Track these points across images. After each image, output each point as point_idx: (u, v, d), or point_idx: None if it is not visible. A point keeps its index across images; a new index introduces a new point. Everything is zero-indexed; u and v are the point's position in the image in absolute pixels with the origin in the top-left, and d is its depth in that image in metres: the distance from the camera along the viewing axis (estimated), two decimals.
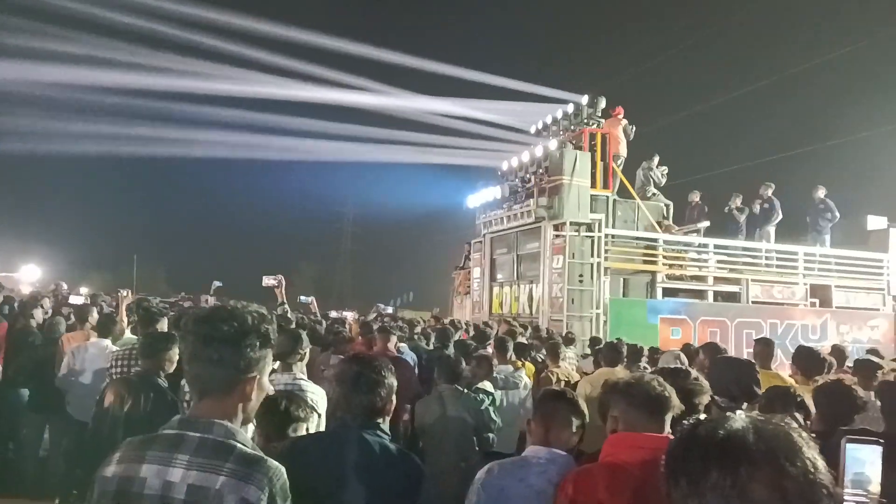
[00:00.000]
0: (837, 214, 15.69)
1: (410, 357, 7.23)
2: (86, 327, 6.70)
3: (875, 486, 1.85)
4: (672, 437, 2.17)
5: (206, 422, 1.70)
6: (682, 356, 6.13)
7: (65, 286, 14.19)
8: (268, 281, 7.76)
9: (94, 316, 6.80)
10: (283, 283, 7.47)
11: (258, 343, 1.77)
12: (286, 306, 7.06)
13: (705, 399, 2.68)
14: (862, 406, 3.46)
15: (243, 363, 1.75)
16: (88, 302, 8.18)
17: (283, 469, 1.72)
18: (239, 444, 1.70)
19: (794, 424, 1.08)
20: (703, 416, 1.16)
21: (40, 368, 6.44)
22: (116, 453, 1.74)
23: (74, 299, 9.77)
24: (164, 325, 5.39)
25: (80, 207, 53.95)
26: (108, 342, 6.02)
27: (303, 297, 9.71)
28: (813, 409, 3.16)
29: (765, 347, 6.15)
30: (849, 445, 1.89)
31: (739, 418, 1.09)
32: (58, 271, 30.46)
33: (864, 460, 1.87)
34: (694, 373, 2.82)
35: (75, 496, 4.23)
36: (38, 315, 6.95)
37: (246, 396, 1.78)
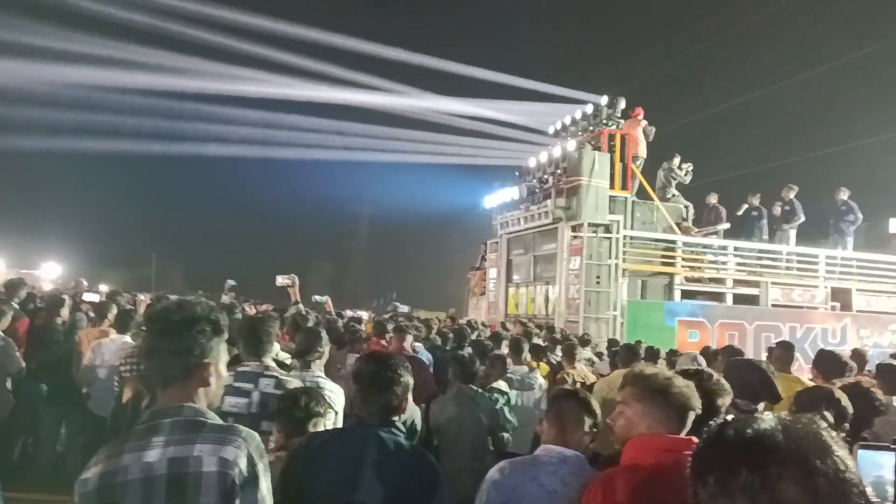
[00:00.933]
0: (860, 216, 15.47)
1: (426, 357, 7.22)
2: (104, 324, 6.76)
3: (891, 492, 1.82)
4: (694, 438, 2.15)
5: (175, 407, 1.81)
6: (700, 358, 6.08)
7: (85, 283, 14.31)
8: (281, 280, 7.79)
9: (114, 313, 6.86)
10: (297, 282, 7.49)
11: (209, 329, 1.87)
12: (300, 305, 7.07)
13: (727, 400, 2.65)
14: (881, 409, 3.41)
15: (197, 349, 1.84)
16: (104, 299, 8.25)
17: (256, 434, 1.83)
18: (209, 420, 1.81)
19: (823, 424, 1.07)
20: (729, 418, 1.15)
21: (59, 364, 6.53)
22: (93, 458, 1.81)
23: (89, 296, 9.85)
24: None
25: (100, 205, 54.52)
26: (126, 338, 6.07)
27: (317, 297, 9.74)
28: (850, 409, 3.12)
29: (784, 351, 6.09)
30: (861, 452, 1.86)
31: (768, 418, 1.08)
32: (77, 269, 30.78)
33: (880, 466, 1.84)
34: (715, 374, 2.78)
35: None
36: (64, 313, 7.05)
37: (204, 381, 1.87)
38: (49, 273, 22.84)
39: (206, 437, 1.75)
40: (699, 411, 2.25)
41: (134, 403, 3.82)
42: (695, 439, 2.16)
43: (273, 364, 3.65)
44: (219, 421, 1.84)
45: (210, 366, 1.87)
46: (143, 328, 1.91)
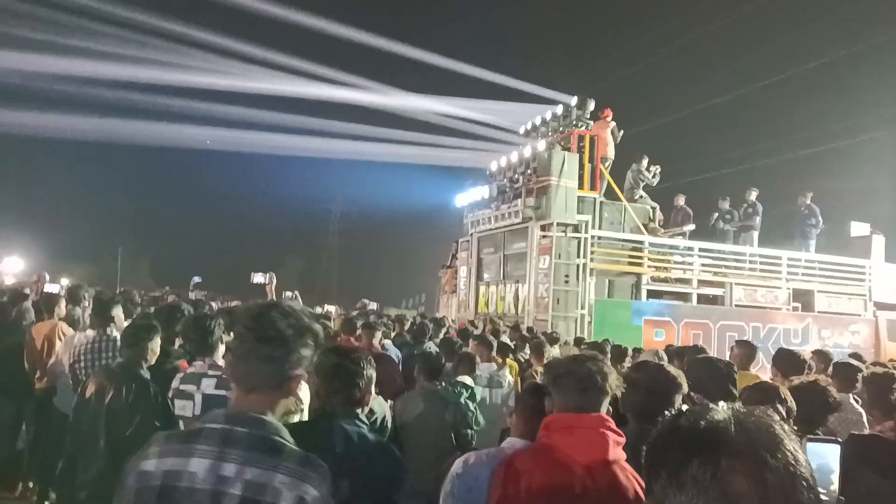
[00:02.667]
0: (821, 220, 15.88)
1: (395, 353, 7.23)
2: (54, 318, 6.62)
3: (835, 484, 1.90)
4: (606, 416, 2.24)
5: (256, 418, 1.71)
6: (662, 353, 6.21)
7: (47, 277, 14.05)
8: (258, 278, 7.71)
9: (63, 306, 6.72)
10: (274, 280, 7.44)
11: (312, 342, 1.81)
12: None
13: (680, 393, 2.72)
14: (835, 406, 3.52)
15: (296, 361, 1.77)
16: (63, 293, 8.09)
17: (327, 468, 1.74)
18: (287, 443, 1.71)
19: (776, 417, 1.07)
20: (684, 408, 1.14)
21: (10, 355, 6.36)
22: (154, 447, 1.72)
23: (50, 288, 9.66)
24: (118, 312, 5.36)
25: (65, 198, 53.40)
26: (89, 332, 5.96)
27: (287, 293, 9.68)
28: (794, 407, 3.21)
29: (746, 350, 6.23)
30: (809, 444, 1.94)
31: (721, 410, 1.07)
32: (41, 263, 30.14)
33: (825, 459, 1.92)
34: (670, 367, 2.86)
35: (56, 487, 4.21)
36: (29, 305, 6.91)
37: (291, 392, 1.81)
38: (11, 267, 22.31)
39: (287, 467, 1.65)
40: (617, 392, 2.32)
41: (97, 399, 3.76)
42: (604, 417, 2.25)
43: (221, 363, 3.59)
44: (293, 444, 1.74)
45: (300, 377, 1.82)
46: (242, 327, 1.79)
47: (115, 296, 6.13)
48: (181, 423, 3.53)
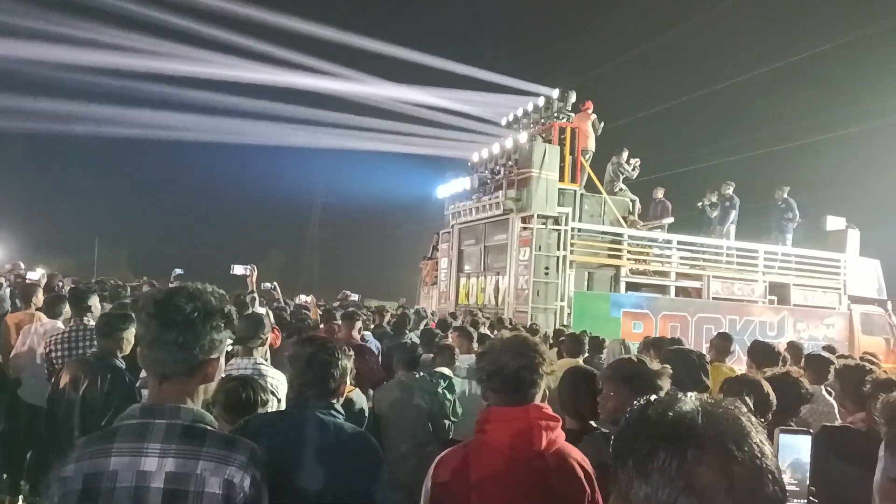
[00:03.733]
0: (798, 214, 16.07)
1: (374, 344, 7.23)
2: (31, 307, 6.53)
3: (807, 473, 1.93)
4: (538, 405, 2.25)
5: (172, 408, 1.67)
6: (627, 342, 6.31)
7: (22, 266, 13.86)
8: (239, 270, 7.65)
9: (40, 296, 6.64)
10: (255, 272, 7.41)
11: (222, 324, 1.75)
12: (255, 295, 7.01)
13: (665, 384, 2.75)
14: (808, 397, 3.57)
15: (207, 345, 1.71)
16: (42, 281, 7.99)
17: (257, 446, 1.71)
18: (209, 428, 1.68)
19: (744, 408, 1.07)
20: (653, 397, 1.14)
21: None
22: (74, 452, 1.66)
23: (32, 275, 9.54)
24: (95, 302, 5.31)
25: (40, 188, 52.63)
26: (59, 323, 5.89)
27: (265, 284, 9.62)
28: (774, 400, 3.25)
29: (722, 342, 6.31)
30: (781, 436, 1.97)
31: (689, 400, 1.07)
32: (16, 253, 29.70)
33: (797, 450, 1.95)
34: (642, 357, 2.89)
35: (27, 479, 4.16)
36: (6, 295, 6.81)
37: (208, 377, 1.76)
38: None
39: (210, 452, 1.62)
40: (549, 381, 2.34)
41: (72, 389, 3.73)
42: (537, 406, 2.26)
43: None
44: (216, 428, 1.71)
45: (217, 361, 1.76)
46: (146, 315, 1.71)
47: (92, 285, 6.04)
48: None
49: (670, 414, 1.05)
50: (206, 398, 1.80)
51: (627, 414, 1.14)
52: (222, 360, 1.80)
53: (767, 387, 3.20)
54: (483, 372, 2.35)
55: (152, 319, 1.70)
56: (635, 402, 1.16)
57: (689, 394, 1.10)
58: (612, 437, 1.14)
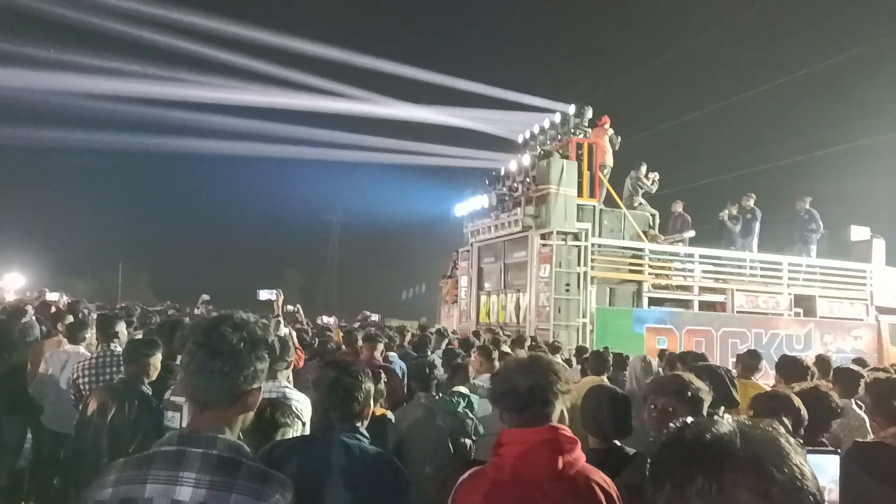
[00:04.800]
0: (822, 225, 15.88)
1: (399, 365, 7.21)
2: (58, 334, 6.63)
3: (834, 495, 1.89)
4: (556, 424, 2.21)
5: (209, 437, 1.67)
6: (650, 358, 6.26)
7: (48, 292, 14.06)
8: (266, 295, 7.72)
9: (68, 322, 6.73)
10: (281, 296, 7.48)
11: (266, 354, 1.76)
12: (280, 318, 7.07)
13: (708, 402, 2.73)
14: (838, 412, 3.51)
15: (251, 374, 1.72)
16: (65, 302, 8.11)
17: (290, 482, 1.71)
18: (244, 460, 1.67)
19: (782, 430, 1.06)
20: (689, 420, 1.13)
21: (14, 373, 6.35)
22: (111, 475, 1.68)
23: (51, 296, 9.66)
24: (121, 328, 5.36)
25: (65, 212, 53.45)
26: (80, 349, 5.96)
27: (289, 307, 9.68)
28: (806, 415, 3.20)
29: (751, 359, 6.27)
30: (808, 456, 1.93)
31: (726, 422, 1.06)
32: (42, 278, 30.15)
33: (824, 470, 1.91)
34: (687, 376, 2.85)
35: None
36: (33, 321, 6.92)
37: (249, 407, 1.76)
38: (12, 283, 22.30)
39: (244, 486, 1.61)
40: (567, 400, 2.30)
41: (99, 416, 3.76)
42: (553, 427, 2.21)
43: None
44: (253, 461, 1.70)
45: (258, 391, 1.77)
46: (193, 343, 1.73)
47: (119, 311, 6.11)
48: (168, 434, 3.54)
49: (707, 436, 1.04)
50: (244, 427, 1.79)
51: (663, 436, 1.13)
52: (262, 388, 1.81)
53: (798, 402, 3.15)
54: (496, 392, 2.33)
55: (199, 348, 1.72)
56: (671, 423, 1.15)
57: (725, 415, 1.09)
58: (650, 459, 1.12)
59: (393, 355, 7.48)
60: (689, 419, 1.13)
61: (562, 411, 2.31)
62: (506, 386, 2.28)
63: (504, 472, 2.16)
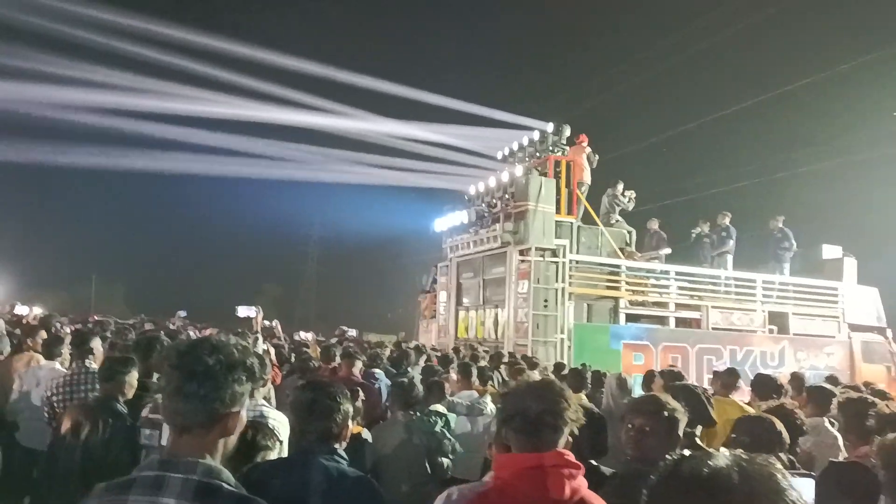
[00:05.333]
0: (794, 243, 16.15)
1: (385, 383, 7.15)
2: (29, 349, 6.50)
3: None
4: (560, 451, 2.21)
5: (189, 462, 1.65)
6: (623, 376, 6.34)
7: (19, 305, 13.82)
8: (245, 312, 7.66)
9: (42, 338, 6.62)
10: (261, 313, 7.43)
11: (244, 377, 1.73)
12: (259, 335, 7.02)
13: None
14: (803, 430, 3.58)
15: (229, 398, 1.70)
16: (35, 315, 7.97)
17: None
18: (224, 484, 1.66)
19: (778, 465, 1.07)
20: (686, 452, 1.14)
21: None
22: (91, 500, 1.66)
23: (20, 310, 9.51)
24: (97, 344, 5.30)
25: (36, 224, 52.76)
26: (56, 365, 5.86)
27: (266, 322, 9.63)
28: (785, 436, 3.26)
29: (729, 377, 6.39)
30: None
31: (723, 456, 1.07)
32: (12, 291, 29.66)
33: (800, 492, 1.95)
34: (663, 396, 2.89)
35: None
36: (3, 333, 6.77)
37: (228, 431, 1.74)
38: None
39: None
40: (574, 426, 2.29)
41: (73, 434, 3.70)
42: (560, 453, 2.21)
43: None
44: (233, 484, 1.68)
45: (237, 414, 1.74)
46: (168, 366, 1.72)
47: (94, 326, 6.02)
48: (144, 452, 3.51)
49: (705, 470, 1.05)
50: (227, 452, 1.77)
51: (660, 468, 1.14)
52: (244, 413, 1.78)
53: (780, 426, 3.20)
54: (506, 413, 2.31)
55: (174, 371, 1.70)
56: (668, 456, 1.16)
57: (722, 449, 1.12)
58: (646, 492, 1.13)
59: (379, 372, 7.45)
60: (686, 451, 1.14)
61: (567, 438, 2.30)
62: (516, 408, 2.27)
63: (507, 494, 2.15)
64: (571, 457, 2.23)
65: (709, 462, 1.06)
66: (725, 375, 6.43)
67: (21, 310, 9.55)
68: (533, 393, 2.29)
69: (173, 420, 1.72)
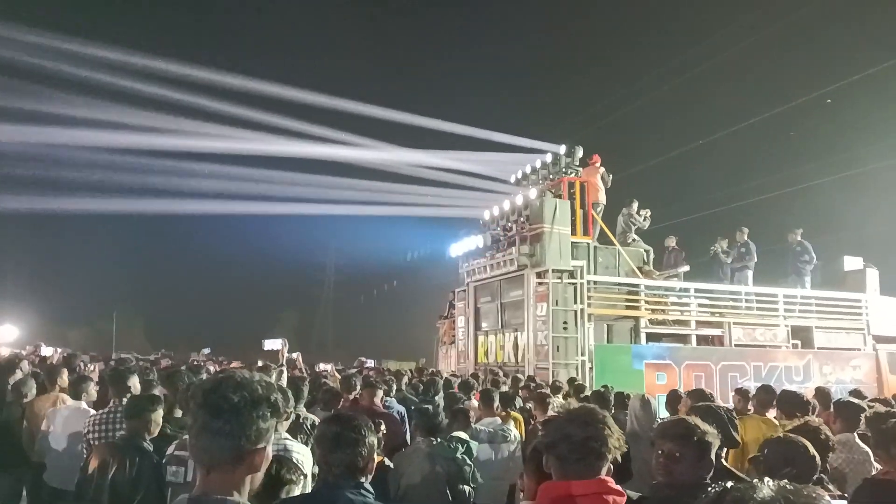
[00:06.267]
0: (814, 255, 16.01)
1: (398, 410, 7.16)
2: (55, 389, 6.56)
3: None
4: (605, 478, 2.20)
5: (218, 500, 1.66)
6: (647, 397, 6.26)
7: (43, 347, 13.98)
8: (271, 345, 7.74)
9: (65, 378, 6.67)
10: (287, 346, 7.46)
11: (269, 413, 1.74)
12: (283, 368, 7.03)
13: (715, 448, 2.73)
14: (830, 445, 3.52)
15: (254, 434, 1.71)
16: (59, 357, 8.04)
17: None
18: None
19: (826, 495, 1.04)
20: (729, 484, 1.11)
21: (5, 429, 6.27)
22: None
23: (46, 351, 9.62)
24: (135, 382, 5.33)
25: (58, 263, 53.41)
26: (83, 404, 5.91)
27: (288, 354, 9.66)
28: (818, 460, 3.21)
29: (765, 395, 6.33)
30: None
31: (767, 487, 1.04)
32: (36, 329, 29.95)
33: None
34: (693, 420, 2.85)
35: None
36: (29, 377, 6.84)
37: (255, 467, 1.74)
38: (6, 336, 22.14)
39: None
40: (617, 453, 2.27)
41: (101, 473, 3.73)
42: (603, 480, 2.20)
43: None
44: None
45: (263, 451, 1.74)
46: (194, 404, 1.73)
47: (132, 366, 6.06)
48: (170, 490, 3.52)
49: (750, 503, 1.02)
50: (254, 488, 1.78)
51: (703, 501, 1.12)
52: (269, 448, 1.79)
53: (812, 449, 3.15)
54: (550, 438, 2.29)
55: (200, 409, 1.71)
56: (710, 489, 1.14)
57: (766, 479, 1.07)
58: None
59: (390, 400, 7.43)
60: (729, 484, 1.10)
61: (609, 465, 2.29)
62: (559, 434, 2.26)
63: None
64: (612, 483, 2.22)
65: (754, 495, 1.03)
66: (762, 393, 6.35)
67: (46, 351, 9.66)
68: (576, 420, 2.28)
69: (200, 458, 1.73)
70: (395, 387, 8.90)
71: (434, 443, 4.94)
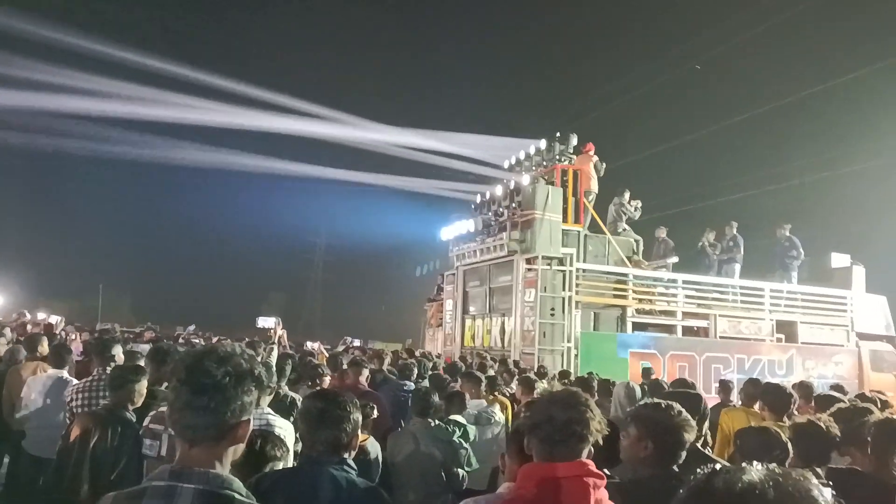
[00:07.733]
0: (802, 252, 16.11)
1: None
2: (36, 357, 6.51)
3: None
4: (586, 461, 2.20)
5: (201, 472, 1.64)
6: (632, 384, 6.29)
7: (28, 315, 13.87)
8: (265, 322, 7.73)
9: (45, 346, 6.62)
10: (281, 324, 7.44)
11: (253, 386, 1.72)
12: (275, 346, 7.01)
13: (692, 436, 2.71)
14: (836, 442, 3.53)
15: (238, 409, 1.69)
16: (38, 332, 7.95)
17: None
18: (236, 494, 1.65)
19: (814, 479, 1.03)
20: (717, 466, 1.09)
21: None
22: None
23: (42, 316, 9.56)
24: (118, 352, 5.30)
25: (44, 233, 52.86)
26: (64, 373, 5.87)
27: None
28: (790, 448, 3.23)
29: (752, 388, 6.37)
30: None
31: (757, 470, 1.03)
32: (21, 299, 29.76)
33: None
34: (678, 407, 2.84)
35: None
36: (1, 345, 6.78)
37: (239, 439, 1.73)
38: None
39: None
40: (598, 436, 2.26)
41: (82, 442, 3.71)
42: (584, 463, 2.20)
43: None
44: (244, 494, 1.67)
45: (247, 423, 1.73)
46: (176, 380, 1.70)
47: (116, 335, 6.03)
48: (145, 462, 3.50)
49: (739, 486, 1.01)
50: (236, 459, 1.76)
51: (691, 482, 1.10)
52: (251, 419, 1.78)
53: (785, 437, 3.17)
54: (532, 421, 2.29)
55: (182, 385, 1.69)
56: (698, 469, 1.12)
57: (755, 463, 1.06)
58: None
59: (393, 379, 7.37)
60: (718, 466, 1.09)
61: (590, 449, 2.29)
62: (543, 417, 2.25)
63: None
64: (593, 466, 2.22)
65: (742, 477, 1.02)
66: (750, 386, 6.42)
67: (50, 317, 9.61)
68: (559, 402, 2.28)
69: (183, 433, 1.70)
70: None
71: (432, 425, 4.94)
